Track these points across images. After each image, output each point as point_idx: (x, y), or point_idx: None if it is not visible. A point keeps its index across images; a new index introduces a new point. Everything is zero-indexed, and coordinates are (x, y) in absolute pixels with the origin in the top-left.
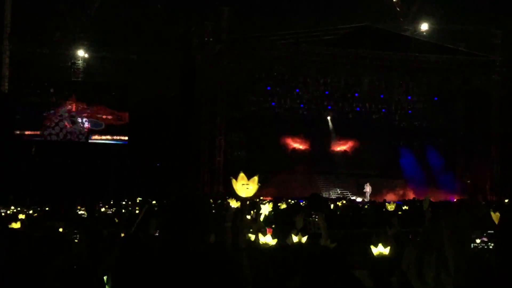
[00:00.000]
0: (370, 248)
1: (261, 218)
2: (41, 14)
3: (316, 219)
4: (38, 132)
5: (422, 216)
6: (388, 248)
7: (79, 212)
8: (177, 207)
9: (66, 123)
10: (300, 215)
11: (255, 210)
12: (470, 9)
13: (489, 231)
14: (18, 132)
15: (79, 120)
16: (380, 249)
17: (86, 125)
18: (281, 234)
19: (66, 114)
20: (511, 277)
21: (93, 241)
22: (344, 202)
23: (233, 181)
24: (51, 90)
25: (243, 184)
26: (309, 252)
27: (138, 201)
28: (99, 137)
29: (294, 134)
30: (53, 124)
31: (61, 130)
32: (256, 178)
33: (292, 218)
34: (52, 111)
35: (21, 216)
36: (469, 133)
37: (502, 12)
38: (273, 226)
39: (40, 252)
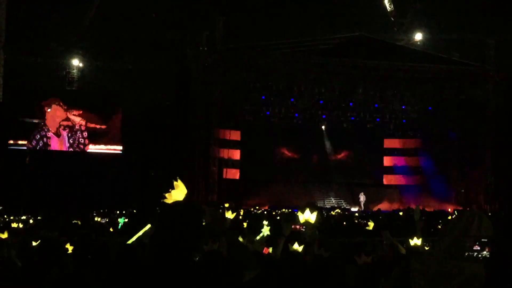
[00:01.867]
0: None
1: (259, 237)
2: (36, 23)
3: (303, 229)
4: (27, 142)
5: (414, 226)
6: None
7: (73, 222)
8: (170, 215)
9: (61, 132)
10: (288, 223)
11: (249, 233)
12: (463, 19)
13: (482, 240)
14: (11, 142)
15: (75, 129)
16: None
17: (84, 135)
18: (273, 243)
19: (60, 124)
20: (505, 283)
21: (87, 250)
22: (339, 211)
23: (168, 195)
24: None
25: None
26: (303, 261)
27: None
28: (93, 146)
29: (289, 144)
30: (41, 136)
31: (49, 140)
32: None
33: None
34: (42, 122)
35: (14, 225)
36: (463, 142)
37: (495, 22)
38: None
39: (37, 262)
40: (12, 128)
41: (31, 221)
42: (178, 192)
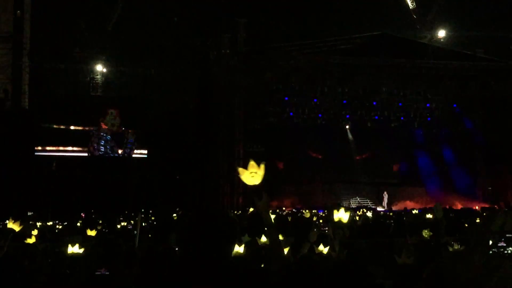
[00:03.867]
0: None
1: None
2: (60, 30)
3: (326, 231)
4: (60, 148)
5: (437, 225)
6: (412, 257)
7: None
8: (197, 221)
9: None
10: (315, 231)
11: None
12: (487, 14)
13: (507, 235)
14: (39, 148)
15: (104, 136)
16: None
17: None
18: (296, 247)
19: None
20: None
21: (113, 255)
22: (365, 210)
23: (241, 170)
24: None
25: (251, 172)
26: (326, 263)
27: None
28: (121, 151)
29: (313, 144)
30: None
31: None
32: (263, 165)
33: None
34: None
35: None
36: (489, 139)
37: None
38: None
39: (60, 267)
40: (39, 135)
41: (58, 226)
42: (255, 177)
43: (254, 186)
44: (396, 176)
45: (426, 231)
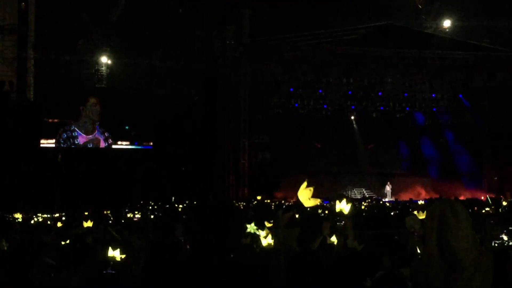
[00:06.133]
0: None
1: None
2: (64, 22)
3: (342, 223)
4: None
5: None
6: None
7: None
8: (203, 211)
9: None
10: (327, 221)
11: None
12: (493, 4)
13: (510, 228)
14: (44, 141)
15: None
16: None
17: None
18: (307, 239)
19: (91, 121)
20: None
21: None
22: (369, 201)
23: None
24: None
25: (309, 195)
26: (339, 254)
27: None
28: (123, 143)
29: (318, 135)
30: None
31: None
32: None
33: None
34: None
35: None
36: (495, 129)
37: None
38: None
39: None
40: (44, 127)
41: (63, 218)
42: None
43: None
44: (401, 166)
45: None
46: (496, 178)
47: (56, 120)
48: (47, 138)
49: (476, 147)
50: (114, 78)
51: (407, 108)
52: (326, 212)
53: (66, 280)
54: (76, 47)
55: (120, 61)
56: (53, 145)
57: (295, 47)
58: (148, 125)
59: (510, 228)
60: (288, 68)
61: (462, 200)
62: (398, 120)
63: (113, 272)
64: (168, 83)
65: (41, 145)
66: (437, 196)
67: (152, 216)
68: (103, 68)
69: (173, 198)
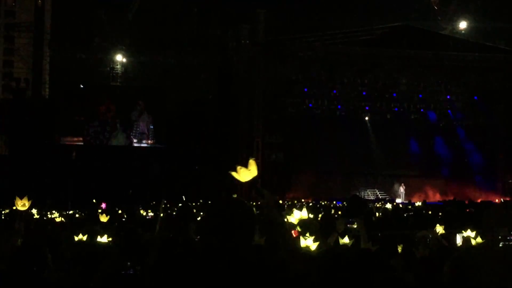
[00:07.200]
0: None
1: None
2: (80, 20)
3: (355, 225)
4: (80, 138)
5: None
6: (427, 250)
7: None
8: (217, 210)
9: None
10: (341, 219)
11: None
12: (509, 6)
13: None
14: (59, 137)
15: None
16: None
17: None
18: (322, 237)
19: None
20: None
21: (132, 245)
22: (383, 203)
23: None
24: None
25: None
26: (352, 255)
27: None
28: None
29: (332, 135)
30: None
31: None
32: (253, 161)
33: (332, 221)
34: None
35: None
36: (510, 131)
37: None
38: (298, 229)
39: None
40: (61, 125)
41: (77, 215)
42: (248, 173)
43: (250, 182)
44: (415, 167)
45: (439, 225)
46: (510, 181)
47: (82, 118)
48: (72, 136)
49: (490, 149)
50: (129, 76)
51: (422, 110)
52: (339, 212)
53: (83, 278)
54: (91, 45)
55: (135, 60)
56: (82, 143)
57: (310, 47)
58: (162, 124)
59: None
60: (303, 68)
61: (476, 203)
62: (412, 121)
63: (131, 272)
64: (183, 82)
65: (66, 143)
66: (451, 198)
67: (161, 215)
68: (118, 66)
69: (183, 197)
